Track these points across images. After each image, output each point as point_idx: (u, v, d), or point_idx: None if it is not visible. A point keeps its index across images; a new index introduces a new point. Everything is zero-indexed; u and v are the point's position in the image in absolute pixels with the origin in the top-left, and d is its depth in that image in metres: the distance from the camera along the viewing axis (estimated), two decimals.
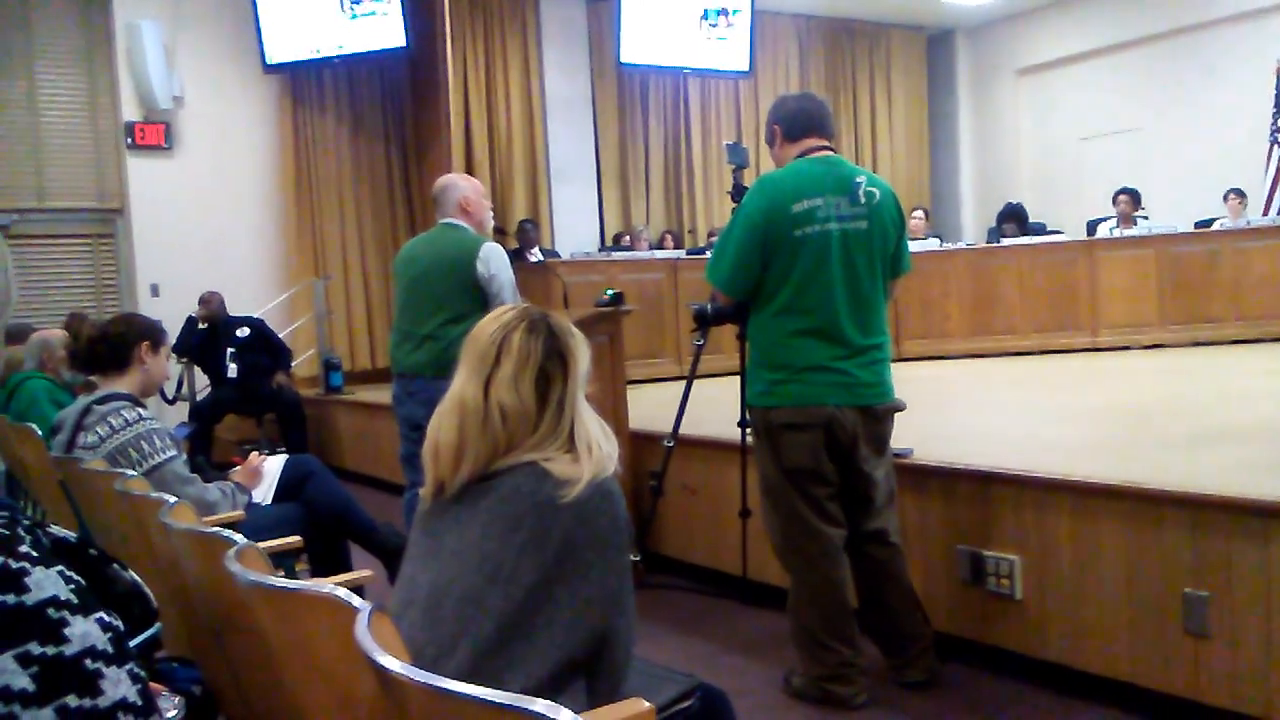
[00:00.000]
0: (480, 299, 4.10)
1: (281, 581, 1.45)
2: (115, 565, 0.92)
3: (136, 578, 0.91)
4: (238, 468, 3.68)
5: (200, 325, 7.82)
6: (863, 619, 3.25)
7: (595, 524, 1.63)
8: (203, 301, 7.83)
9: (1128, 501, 3.00)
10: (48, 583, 0.78)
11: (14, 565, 0.77)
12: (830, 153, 3.20)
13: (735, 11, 10.22)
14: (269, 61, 8.78)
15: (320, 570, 3.57)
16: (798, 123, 3.19)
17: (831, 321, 3.04)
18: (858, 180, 3.10)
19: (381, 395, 6.93)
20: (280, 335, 8.22)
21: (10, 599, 0.75)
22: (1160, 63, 11.19)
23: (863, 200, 3.08)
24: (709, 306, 3.38)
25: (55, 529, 0.88)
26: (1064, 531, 3.15)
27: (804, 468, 3.08)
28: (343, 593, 1.32)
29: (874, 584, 3.23)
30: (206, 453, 7.07)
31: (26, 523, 0.82)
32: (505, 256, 4.23)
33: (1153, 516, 2.93)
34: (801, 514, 3.11)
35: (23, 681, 0.74)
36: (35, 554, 0.79)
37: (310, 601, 1.36)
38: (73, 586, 0.79)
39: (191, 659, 2.28)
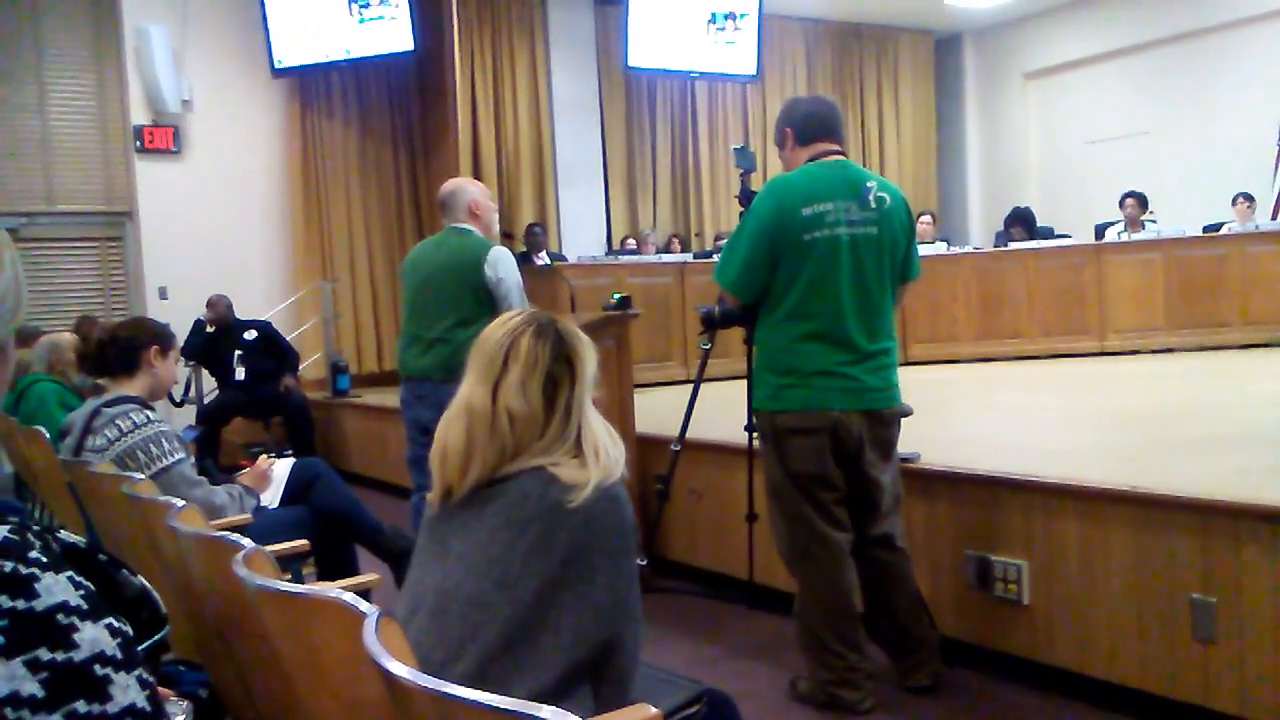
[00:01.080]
0: (488, 302, 4.11)
1: (289, 586, 1.45)
2: (124, 571, 0.93)
3: (145, 583, 0.91)
4: (246, 470, 3.68)
5: (208, 328, 7.84)
6: (869, 624, 3.25)
7: (602, 529, 1.63)
8: (210, 305, 7.84)
9: (1135, 507, 2.99)
10: (58, 588, 0.78)
11: (24, 571, 0.77)
12: (841, 157, 3.20)
13: (743, 15, 10.23)
14: (277, 65, 8.81)
15: (327, 574, 3.57)
16: (809, 126, 3.18)
17: (839, 326, 3.04)
18: (869, 185, 3.10)
19: (388, 398, 6.95)
20: (287, 338, 8.23)
21: (20, 604, 0.76)
22: (1168, 66, 11.17)
23: (873, 205, 3.07)
24: (716, 309, 3.38)
25: (65, 534, 0.89)
26: (1072, 537, 3.14)
27: (809, 472, 3.08)
28: (349, 597, 1.32)
29: (880, 588, 3.22)
30: (214, 456, 7.08)
31: (37, 529, 0.82)
32: (512, 259, 4.25)
33: (1161, 522, 2.93)
34: (808, 518, 3.11)
35: (32, 687, 0.74)
36: (45, 560, 0.79)
37: (317, 606, 1.37)
38: (82, 592, 0.80)
39: (198, 662, 2.28)
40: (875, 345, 3.10)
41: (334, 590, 1.35)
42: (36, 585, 0.77)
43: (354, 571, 3.72)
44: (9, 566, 0.77)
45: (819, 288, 3.03)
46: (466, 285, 4.15)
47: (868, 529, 3.18)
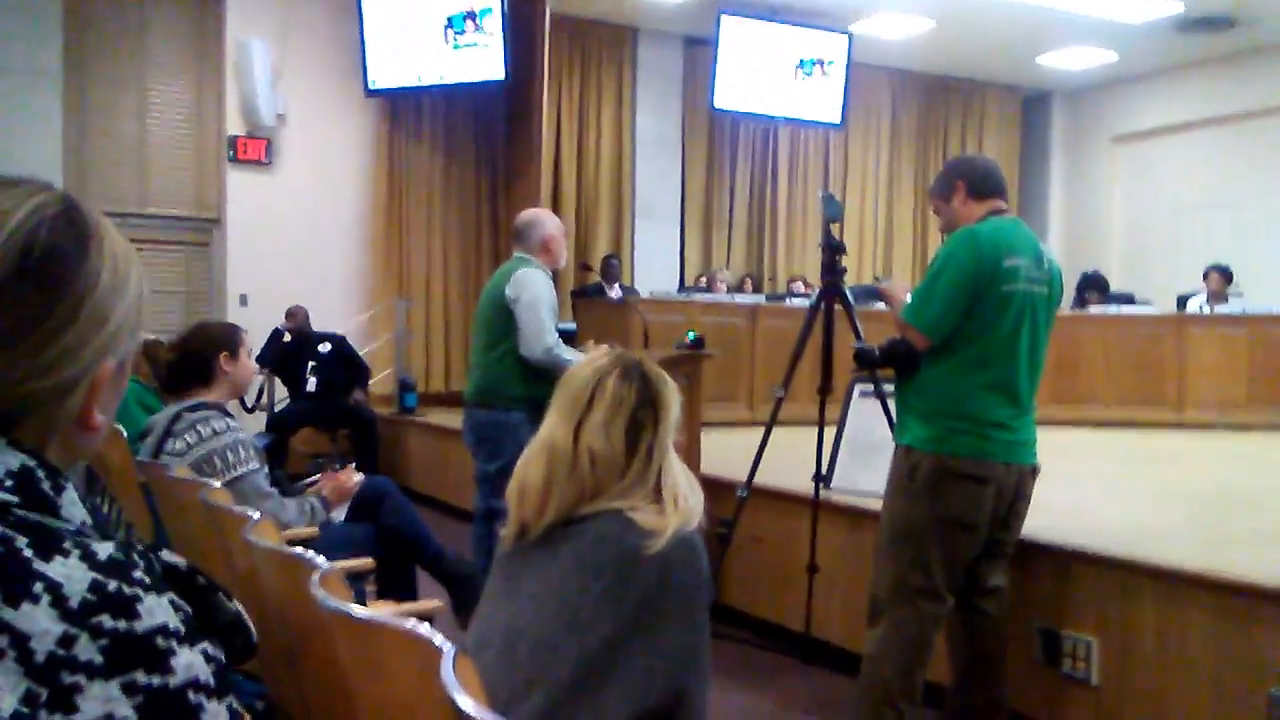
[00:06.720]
0: (513, 323, 4.23)
1: (365, 612, 1.45)
2: (221, 595, 0.93)
3: (240, 609, 0.91)
4: (327, 481, 3.66)
5: (285, 337, 7.97)
6: (960, 684, 3.22)
7: (678, 578, 1.61)
8: (290, 314, 7.98)
9: (1216, 592, 2.89)
10: (159, 610, 0.78)
11: (128, 591, 0.77)
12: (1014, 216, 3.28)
13: (830, 63, 10.21)
14: (371, 86, 8.98)
15: (386, 592, 3.58)
16: (989, 182, 3.25)
17: (1013, 379, 3.07)
18: (1042, 247, 3.19)
19: (452, 419, 7.00)
20: (360, 353, 8.34)
21: (122, 625, 0.76)
22: (1261, 139, 10.93)
23: (1045, 266, 3.15)
24: (876, 348, 3.39)
25: (167, 555, 0.89)
26: (1147, 617, 3.05)
27: (966, 520, 3.05)
28: (425, 629, 1.32)
29: (984, 643, 3.19)
30: (282, 464, 7.17)
31: (140, 547, 0.83)
32: (539, 281, 4.27)
33: (1242, 610, 2.83)
34: (931, 568, 3.06)
35: (126, 710, 0.74)
36: (148, 581, 0.79)
37: (393, 637, 1.36)
38: (181, 615, 0.80)
39: (257, 674, 2.29)
40: (1031, 401, 3.15)
41: (410, 621, 1.34)
42: (139, 606, 0.77)
43: (413, 593, 3.72)
44: (113, 585, 0.77)
45: (1006, 340, 3.06)
46: (495, 308, 4.30)
47: (986, 580, 3.17)
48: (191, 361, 3.32)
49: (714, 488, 4.69)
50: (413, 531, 3.82)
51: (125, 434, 3.85)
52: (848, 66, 10.26)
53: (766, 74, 9.99)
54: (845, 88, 10.35)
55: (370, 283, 9.45)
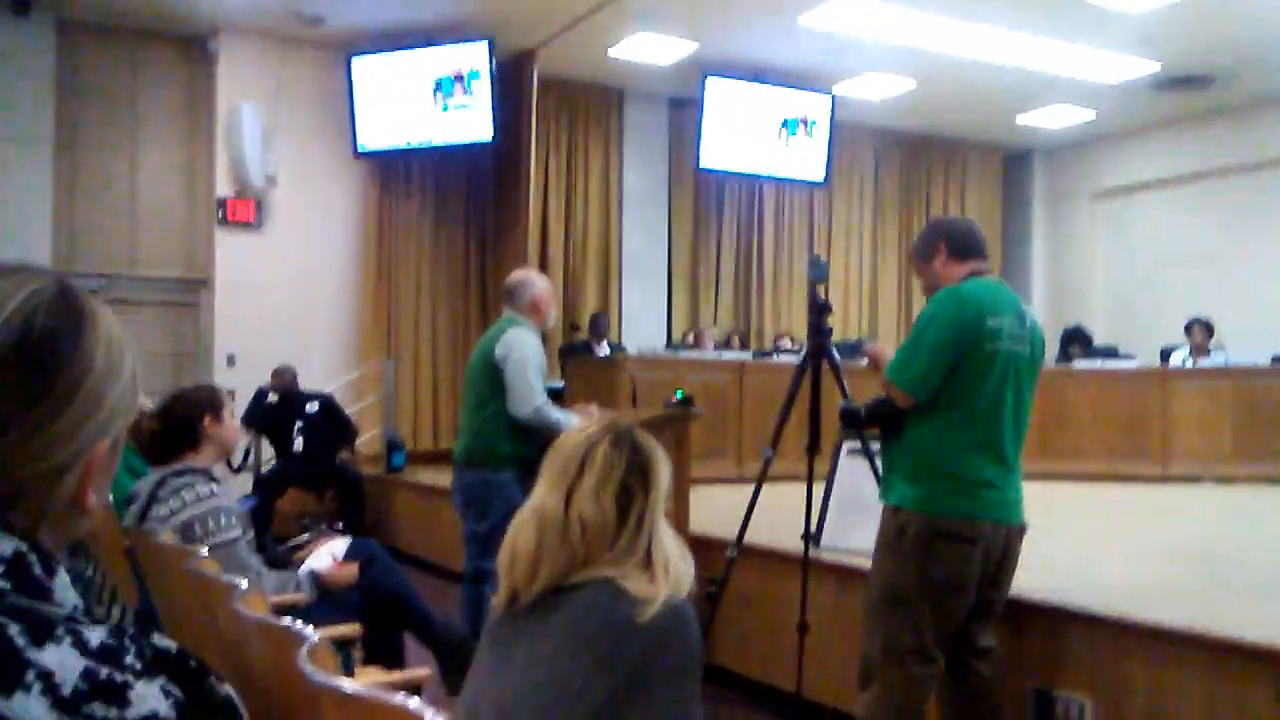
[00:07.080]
0: (500, 384, 4.25)
1: (354, 686, 1.44)
2: (212, 678, 0.93)
3: (231, 692, 0.91)
4: (316, 545, 3.62)
5: (270, 397, 7.93)
6: None
7: (669, 647, 1.61)
8: (275, 374, 7.94)
9: (1207, 651, 2.89)
10: (150, 697, 0.78)
11: (119, 679, 0.77)
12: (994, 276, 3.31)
13: (814, 123, 10.36)
14: (360, 148, 9.06)
15: (373, 657, 3.54)
16: (969, 243, 3.31)
17: (999, 439, 3.09)
18: (1024, 307, 3.23)
19: (440, 478, 6.98)
20: (347, 412, 8.31)
21: (113, 714, 0.76)
22: (1240, 194, 11.09)
23: (1026, 326, 3.17)
24: (861, 407, 3.39)
25: (158, 638, 0.89)
26: (1139, 677, 3.04)
27: (953, 581, 3.04)
28: (416, 704, 1.31)
29: (976, 705, 3.17)
30: (268, 525, 7.11)
31: (132, 632, 0.83)
32: (527, 342, 4.31)
33: (1233, 670, 2.83)
34: (921, 631, 3.05)
35: None
36: (139, 666, 0.79)
37: (384, 712, 1.35)
38: (171, 701, 0.80)
39: None
40: (1017, 460, 3.16)
41: (400, 696, 1.33)
42: (130, 694, 0.77)
43: (400, 658, 3.68)
44: (104, 672, 0.77)
45: (990, 399, 3.07)
46: (485, 367, 4.33)
47: (977, 640, 3.16)
48: (175, 427, 3.31)
49: (703, 547, 4.67)
50: (400, 595, 3.78)
51: (111, 499, 3.83)
52: (831, 126, 10.42)
53: (751, 134, 10.12)
54: (829, 147, 10.50)
55: (358, 342, 9.45)
